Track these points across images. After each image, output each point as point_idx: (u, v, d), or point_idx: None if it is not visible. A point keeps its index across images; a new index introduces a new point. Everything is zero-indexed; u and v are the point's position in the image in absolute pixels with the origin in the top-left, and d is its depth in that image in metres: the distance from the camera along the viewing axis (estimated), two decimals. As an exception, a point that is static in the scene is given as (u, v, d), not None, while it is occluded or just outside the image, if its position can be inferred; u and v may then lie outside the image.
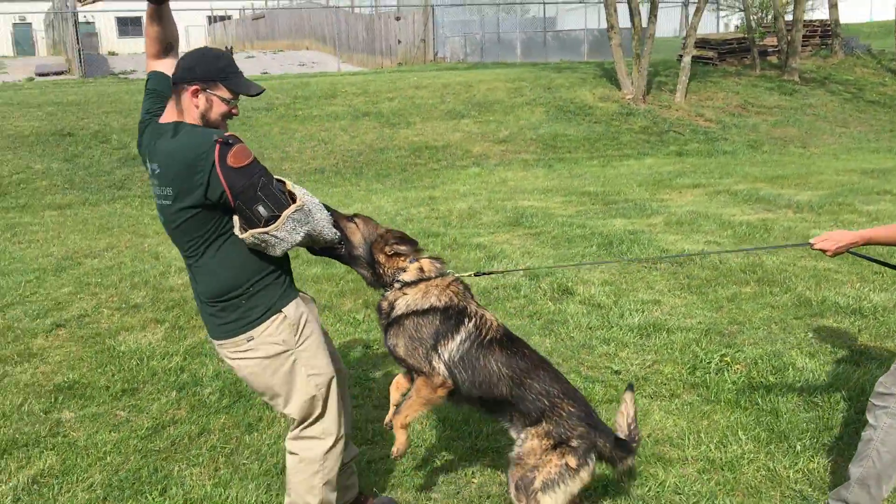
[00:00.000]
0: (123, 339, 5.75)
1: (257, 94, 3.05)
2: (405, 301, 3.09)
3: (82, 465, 3.95)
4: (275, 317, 2.98)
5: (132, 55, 37.49)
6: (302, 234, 2.86)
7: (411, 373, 3.15)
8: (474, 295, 3.29)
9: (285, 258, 3.04)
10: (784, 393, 4.55)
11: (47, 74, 26.98)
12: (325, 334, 3.30)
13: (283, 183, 2.90)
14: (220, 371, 5.06)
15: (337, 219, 3.08)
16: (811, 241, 3.37)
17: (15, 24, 47.37)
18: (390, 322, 3.12)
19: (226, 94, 2.96)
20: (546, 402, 3.08)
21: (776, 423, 4.23)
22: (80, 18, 48.26)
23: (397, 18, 31.01)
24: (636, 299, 6.37)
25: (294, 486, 3.15)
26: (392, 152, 14.47)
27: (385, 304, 3.14)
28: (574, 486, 2.97)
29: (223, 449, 4.11)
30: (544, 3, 32.79)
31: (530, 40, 31.85)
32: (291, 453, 3.14)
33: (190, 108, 2.93)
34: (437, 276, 3.16)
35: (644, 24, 18.39)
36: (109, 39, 49.54)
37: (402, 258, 3.15)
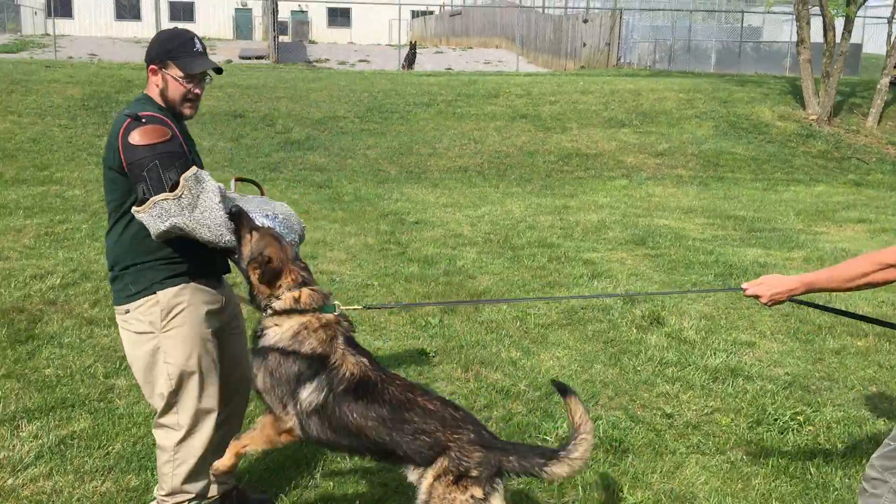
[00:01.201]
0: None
1: (203, 72, 3.11)
2: (273, 333, 2.90)
3: (110, 432, 4.18)
4: (148, 297, 3.06)
5: (331, 44, 39.47)
6: (167, 224, 2.83)
7: (265, 407, 2.97)
8: (355, 335, 3.01)
9: (198, 245, 2.98)
10: (846, 466, 4.03)
11: (249, 58, 28.96)
12: (234, 336, 3.38)
13: (183, 172, 2.89)
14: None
15: (239, 226, 2.96)
16: (743, 285, 3.00)
17: (237, 9, 50.84)
18: (256, 350, 2.95)
19: (178, 73, 3.06)
20: (427, 440, 2.76)
21: (822, 497, 3.75)
22: (294, 7, 51.57)
23: (584, 21, 30.54)
24: (729, 339, 5.88)
25: (158, 470, 3.28)
26: (540, 157, 14.27)
27: (258, 328, 2.97)
28: None
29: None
30: (743, 12, 31.10)
31: (726, 49, 30.35)
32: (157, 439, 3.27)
33: (151, 86, 3.12)
34: (312, 311, 2.93)
35: (837, 40, 16.95)
36: (320, 28, 52.38)
37: (271, 287, 2.93)
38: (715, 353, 5.55)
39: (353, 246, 8.29)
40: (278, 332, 2.89)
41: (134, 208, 2.90)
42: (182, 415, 3.16)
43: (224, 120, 14.53)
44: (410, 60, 27.10)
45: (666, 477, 3.94)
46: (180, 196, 2.83)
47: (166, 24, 46.22)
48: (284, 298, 2.92)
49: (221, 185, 3.01)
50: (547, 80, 19.86)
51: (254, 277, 2.93)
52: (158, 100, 3.09)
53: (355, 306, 3.35)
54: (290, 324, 2.89)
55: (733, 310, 6.58)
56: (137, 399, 4.58)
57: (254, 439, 2.96)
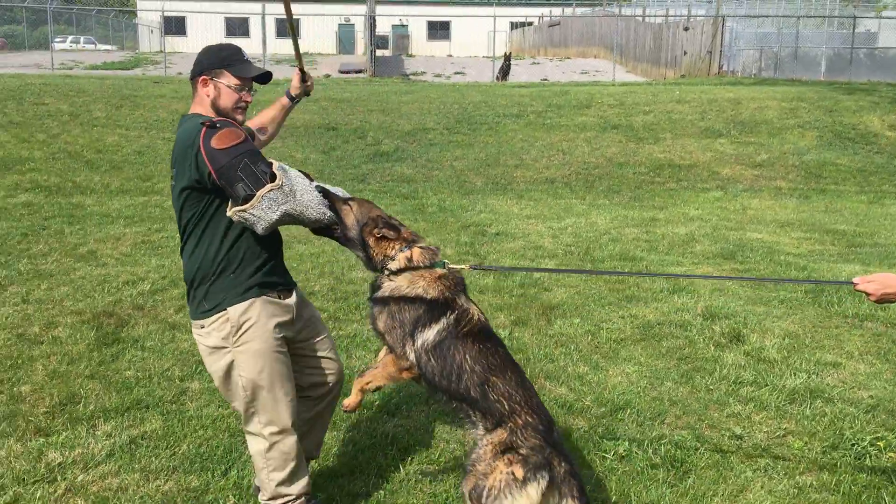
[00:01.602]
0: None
1: (261, 80, 3.25)
2: (391, 285, 3.12)
3: (178, 433, 4.34)
4: (220, 314, 3.16)
5: (428, 57, 39.94)
6: (279, 213, 2.96)
7: (385, 346, 3.19)
8: (467, 289, 3.23)
9: (266, 260, 3.20)
10: (927, 499, 3.77)
11: (348, 72, 29.64)
12: (316, 343, 3.47)
13: (271, 164, 3.02)
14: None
15: (333, 201, 3.15)
16: (854, 280, 2.93)
17: (340, 25, 52.08)
18: (376, 299, 3.15)
19: (231, 81, 3.18)
20: (506, 406, 2.91)
21: (897, 532, 3.53)
22: (396, 21, 52.51)
23: (685, 29, 29.86)
24: (812, 358, 5.61)
25: (257, 476, 3.40)
26: (630, 168, 14.01)
27: (376, 283, 3.20)
28: (520, 501, 2.70)
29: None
30: (855, 17, 29.72)
31: (837, 56, 29.09)
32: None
33: (202, 97, 3.21)
34: (425, 266, 3.13)
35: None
36: (419, 41, 53.16)
37: (391, 243, 3.15)
38: (795, 374, 5.30)
39: (431, 257, 8.34)
40: (395, 283, 3.12)
41: (235, 209, 2.99)
42: (262, 424, 3.26)
43: (317, 133, 14.90)
44: (505, 72, 27.13)
45: (728, 500, 3.80)
46: (281, 185, 2.95)
47: (273, 41, 47.88)
48: (399, 258, 3.15)
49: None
50: (641, 90, 19.50)
51: (371, 240, 3.15)
52: (210, 112, 3.18)
53: (462, 266, 3.44)
54: (405, 277, 3.12)
55: (821, 328, 6.28)
56: (208, 402, 4.74)
57: (376, 376, 3.16)
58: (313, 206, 3.03)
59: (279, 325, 3.24)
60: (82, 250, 8.32)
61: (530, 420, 2.88)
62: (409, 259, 3.14)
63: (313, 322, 3.50)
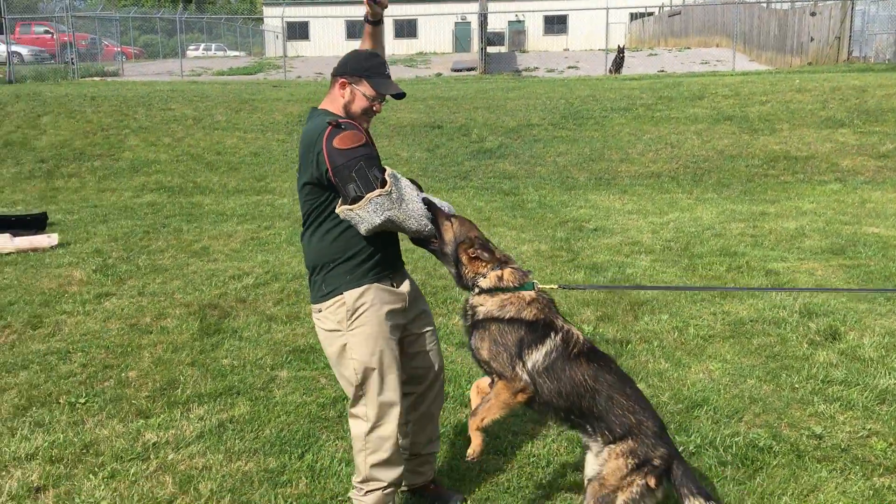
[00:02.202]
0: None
1: (396, 97, 3.40)
2: (486, 308, 3.21)
3: (263, 418, 4.61)
4: (337, 298, 3.32)
5: (542, 53, 39.73)
6: (382, 217, 3.12)
7: (492, 376, 3.22)
8: (559, 310, 3.32)
9: (382, 249, 3.33)
10: None
11: (460, 70, 29.91)
12: (424, 336, 3.57)
13: (384, 171, 3.18)
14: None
15: (436, 215, 3.27)
16: None
17: (457, 23, 52.50)
18: (474, 324, 3.24)
19: (368, 91, 3.33)
20: (632, 419, 3.07)
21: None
22: (512, 17, 52.50)
23: (812, 14, 28.46)
24: (914, 358, 5.34)
25: (354, 458, 3.49)
26: (742, 161, 13.55)
27: (468, 307, 3.29)
28: None
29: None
30: None
31: None
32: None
33: (336, 97, 3.38)
34: (515, 287, 3.22)
35: None
36: (536, 36, 52.93)
37: (483, 263, 3.26)
38: (890, 373, 5.06)
39: (523, 252, 8.40)
40: (489, 307, 3.22)
41: (343, 207, 3.18)
42: (369, 406, 3.39)
43: (423, 131, 15.18)
44: (618, 64, 26.69)
45: (797, 499, 3.71)
46: (390, 191, 3.11)
47: (391, 42, 48.90)
48: (490, 276, 3.27)
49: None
50: (759, 80, 18.79)
51: (465, 258, 3.28)
52: (340, 112, 3.35)
53: (552, 285, 3.56)
54: (498, 299, 3.22)
55: (929, 327, 5.94)
56: (294, 390, 5.01)
57: (489, 409, 3.19)
58: (416, 216, 3.16)
59: (391, 312, 3.38)
60: (196, 247, 8.86)
61: (655, 430, 3.07)
62: (500, 278, 3.23)
63: (424, 316, 3.63)
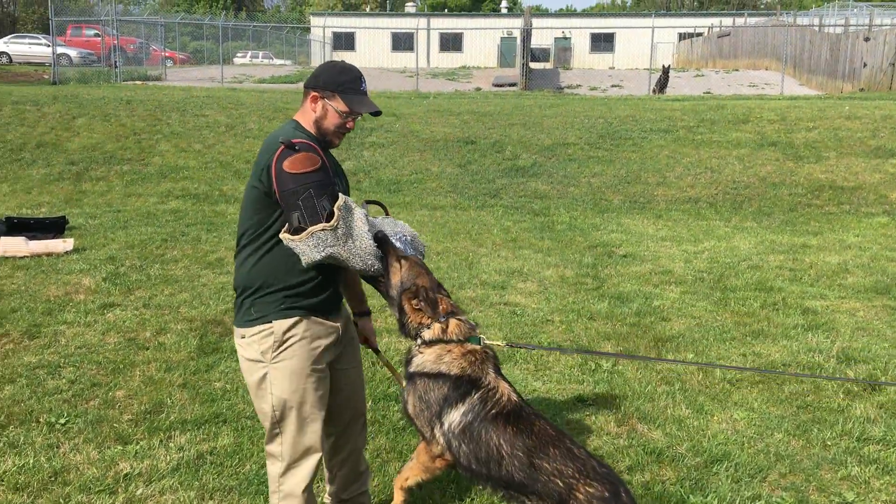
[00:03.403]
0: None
1: (372, 113, 3.14)
2: (420, 359, 2.98)
3: (246, 451, 4.31)
4: (263, 326, 3.06)
5: (587, 70, 39.32)
6: (323, 254, 2.86)
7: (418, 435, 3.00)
8: (500, 365, 3.03)
9: (325, 279, 3.07)
10: None
11: (501, 85, 29.63)
12: (348, 371, 3.33)
13: (336, 200, 2.89)
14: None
15: (386, 254, 3.00)
16: None
17: (503, 38, 52.40)
18: (408, 376, 3.01)
19: (341, 107, 3.07)
20: (560, 484, 2.71)
21: None
22: (558, 34, 52.27)
23: (866, 39, 27.65)
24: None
25: (270, 499, 3.27)
26: (786, 189, 13.02)
27: (408, 357, 3.06)
28: None
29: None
30: None
31: None
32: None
33: (308, 111, 3.13)
34: (458, 341, 2.95)
35: None
36: (582, 53, 52.57)
37: (426, 316, 3.00)
38: (935, 434, 4.60)
39: (547, 277, 8.04)
40: (423, 358, 3.01)
41: (285, 235, 2.92)
42: (285, 446, 3.14)
43: (456, 146, 14.89)
44: (662, 84, 26.17)
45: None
46: (336, 227, 2.86)
47: (436, 55, 48.92)
48: (434, 328, 3.03)
49: (365, 210, 3.05)
50: (807, 105, 18.17)
51: (408, 307, 3.03)
52: (310, 127, 3.10)
53: (498, 342, 3.29)
54: (434, 351, 3.00)
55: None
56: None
57: (412, 469, 3.04)
58: (362, 255, 2.92)
59: (324, 348, 3.12)
60: (211, 258, 8.64)
61: (592, 490, 2.70)
62: (444, 330, 3.00)
63: (351, 349, 3.37)
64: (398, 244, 3.16)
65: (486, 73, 36.35)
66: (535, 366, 5.62)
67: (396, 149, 14.86)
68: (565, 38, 53.03)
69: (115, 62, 26.15)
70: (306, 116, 3.11)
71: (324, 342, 3.11)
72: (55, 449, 4.29)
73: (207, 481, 3.98)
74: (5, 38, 34.97)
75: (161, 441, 4.41)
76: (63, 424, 4.58)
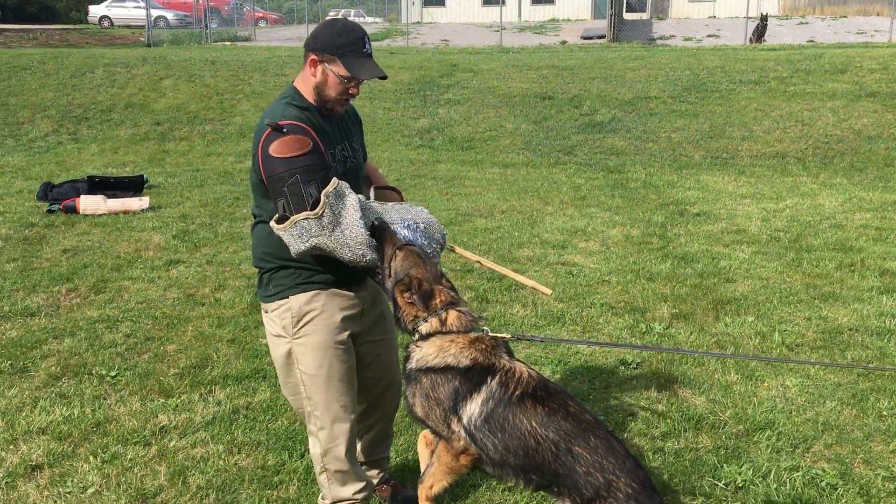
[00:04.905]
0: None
1: (374, 77, 2.93)
2: (420, 354, 2.77)
3: (279, 408, 4.37)
4: (282, 301, 2.99)
5: (683, 20, 37.78)
6: (307, 244, 2.72)
7: (434, 435, 2.82)
8: (511, 351, 2.80)
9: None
10: None
11: (590, 38, 28.80)
12: (378, 344, 3.23)
13: (325, 186, 2.72)
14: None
15: (382, 243, 2.80)
16: None
17: (597, -12, 50.78)
18: (407, 376, 2.82)
19: (342, 72, 2.86)
20: (600, 479, 2.51)
21: None
22: (656, -18, 50.28)
23: None
24: None
25: (317, 478, 3.24)
26: (883, 143, 12.21)
27: (406, 354, 2.85)
28: None
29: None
30: None
31: None
32: None
33: (307, 76, 2.94)
34: (460, 332, 2.74)
35: None
36: (681, 3, 50.49)
37: (419, 309, 2.80)
38: None
39: (611, 237, 7.81)
40: (423, 352, 2.80)
41: (273, 224, 2.78)
42: (321, 423, 3.09)
43: (532, 101, 14.59)
44: (759, 33, 24.88)
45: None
46: (321, 215, 2.69)
47: (528, 7, 47.97)
48: (431, 321, 2.83)
49: (361, 196, 2.89)
50: (916, 52, 16.94)
51: (400, 300, 2.85)
52: (309, 94, 2.93)
53: (504, 334, 2.98)
54: (435, 343, 2.79)
55: None
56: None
57: (435, 475, 2.83)
58: (352, 245, 2.73)
59: (345, 319, 3.03)
60: (278, 216, 8.77)
61: (630, 491, 2.51)
62: (443, 322, 2.78)
63: (381, 321, 3.26)
64: (405, 232, 2.94)
65: (577, 25, 35.38)
66: (584, 328, 5.49)
67: (472, 105, 14.68)
68: (663, -14, 51.02)
69: (206, 23, 26.72)
70: (306, 83, 2.93)
71: (345, 314, 3.02)
72: (102, 400, 4.47)
73: (237, 435, 4.07)
74: (107, 2, 36.17)
75: (201, 395, 4.53)
76: (113, 377, 4.76)
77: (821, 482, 3.60)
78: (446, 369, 2.69)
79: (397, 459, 3.85)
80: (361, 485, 3.20)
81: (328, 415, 3.06)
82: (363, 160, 3.22)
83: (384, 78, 2.98)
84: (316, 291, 2.96)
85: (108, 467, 3.77)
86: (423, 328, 2.80)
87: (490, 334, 2.80)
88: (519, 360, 2.80)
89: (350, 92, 2.93)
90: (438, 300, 2.82)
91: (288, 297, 2.97)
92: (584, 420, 2.62)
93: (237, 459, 3.86)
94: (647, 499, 2.52)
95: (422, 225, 3.01)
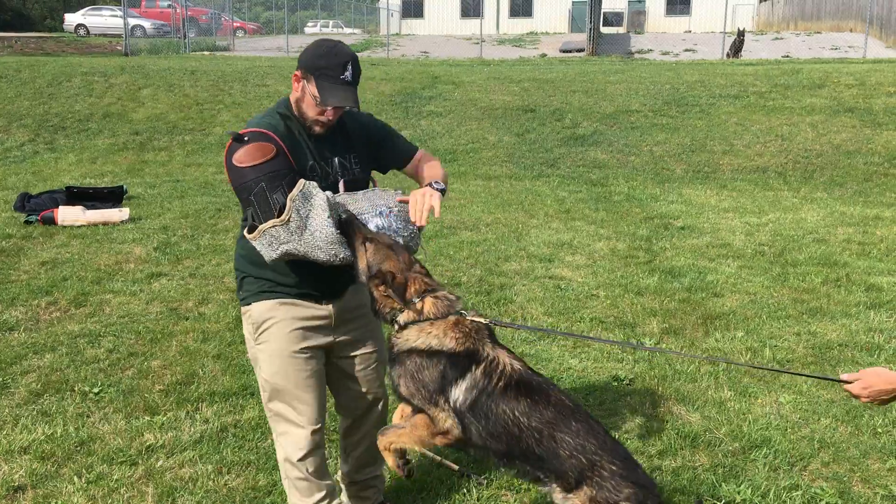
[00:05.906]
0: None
1: (340, 106, 2.89)
2: (403, 338, 2.78)
3: (268, 426, 4.27)
4: (245, 308, 3.06)
5: (659, 34, 38.13)
6: (278, 252, 2.72)
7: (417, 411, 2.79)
8: (494, 335, 2.82)
9: (304, 269, 2.90)
10: None
11: (570, 51, 28.97)
12: (354, 360, 3.18)
13: (291, 189, 2.71)
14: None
15: (351, 238, 2.78)
16: (843, 376, 2.55)
17: (574, 3, 51.22)
18: (392, 358, 2.82)
19: (315, 92, 2.86)
20: (583, 460, 2.60)
21: None
22: (632, -2, 50.72)
23: (960, -3, 26.00)
24: None
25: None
26: (861, 158, 12.36)
27: (389, 344, 2.87)
28: None
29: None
30: None
31: None
32: None
33: (293, 89, 2.97)
34: (440, 317, 2.76)
35: None
36: (657, 17, 50.94)
37: (394, 302, 2.80)
38: None
39: (597, 250, 7.80)
40: (407, 335, 2.80)
41: (245, 233, 2.80)
42: (280, 429, 3.13)
43: (514, 114, 14.60)
44: (736, 48, 25.16)
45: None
46: (287, 221, 2.67)
47: (506, 20, 48.24)
48: (407, 311, 2.82)
49: (329, 192, 2.85)
50: (890, 69, 17.18)
51: (376, 293, 2.84)
52: (293, 106, 2.95)
53: (484, 319, 3.01)
54: (417, 328, 2.79)
55: None
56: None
57: (402, 437, 2.81)
58: (323, 246, 2.71)
59: (308, 329, 3.01)
60: (261, 228, 8.67)
61: (614, 468, 2.60)
62: (420, 312, 2.78)
63: (361, 337, 3.20)
64: (378, 220, 2.89)
65: (555, 39, 35.58)
66: (574, 343, 5.45)
67: (454, 118, 14.66)
68: (639, 1, 51.52)
69: (185, 33, 26.53)
70: (292, 95, 2.97)
71: (306, 324, 3.01)
72: (85, 418, 4.35)
73: (227, 455, 3.98)
74: (83, 11, 35.84)
75: (188, 413, 4.42)
76: (96, 394, 4.64)
77: (820, 501, 3.58)
78: (432, 352, 2.72)
79: (392, 482, 3.77)
80: (321, 495, 3.15)
81: (285, 421, 3.09)
82: (366, 174, 3.17)
83: (355, 107, 2.94)
84: (279, 300, 2.98)
85: (94, 488, 3.67)
86: (402, 318, 2.81)
87: (470, 318, 2.79)
88: (501, 346, 2.80)
89: (327, 115, 2.90)
90: (413, 289, 2.81)
91: (250, 304, 3.02)
92: (566, 406, 2.70)
93: (227, 480, 3.77)
94: (630, 472, 2.61)
95: (395, 209, 2.95)
